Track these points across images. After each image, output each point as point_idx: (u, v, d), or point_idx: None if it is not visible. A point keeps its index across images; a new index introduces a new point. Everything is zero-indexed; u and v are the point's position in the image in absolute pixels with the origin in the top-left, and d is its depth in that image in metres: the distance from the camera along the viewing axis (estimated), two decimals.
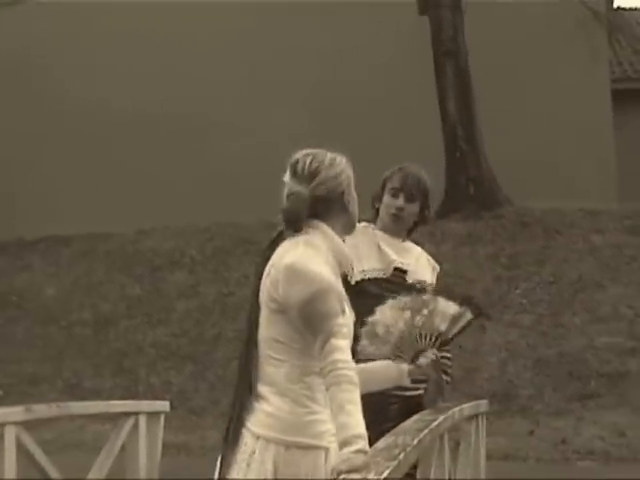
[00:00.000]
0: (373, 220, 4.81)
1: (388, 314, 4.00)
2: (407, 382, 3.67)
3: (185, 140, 18.05)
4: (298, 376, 3.23)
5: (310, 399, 3.23)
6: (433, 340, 3.94)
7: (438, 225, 14.57)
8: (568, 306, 13.32)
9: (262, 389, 3.24)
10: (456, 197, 15.71)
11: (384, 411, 4.49)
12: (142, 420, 7.15)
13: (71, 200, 17.88)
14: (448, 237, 14.75)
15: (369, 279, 4.63)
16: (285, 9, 17.76)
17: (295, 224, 3.29)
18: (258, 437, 3.20)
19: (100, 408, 7.48)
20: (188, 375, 13.14)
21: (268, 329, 3.25)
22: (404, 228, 4.79)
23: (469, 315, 4.03)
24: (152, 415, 7.37)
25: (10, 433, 5.76)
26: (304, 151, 3.37)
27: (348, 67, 17.65)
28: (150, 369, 13.48)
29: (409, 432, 3.91)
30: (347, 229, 3.40)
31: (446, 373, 4.69)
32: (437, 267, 4.87)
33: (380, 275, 4.66)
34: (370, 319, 3.99)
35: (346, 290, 4.50)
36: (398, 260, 4.68)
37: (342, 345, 3.13)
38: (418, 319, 3.94)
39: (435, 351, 3.90)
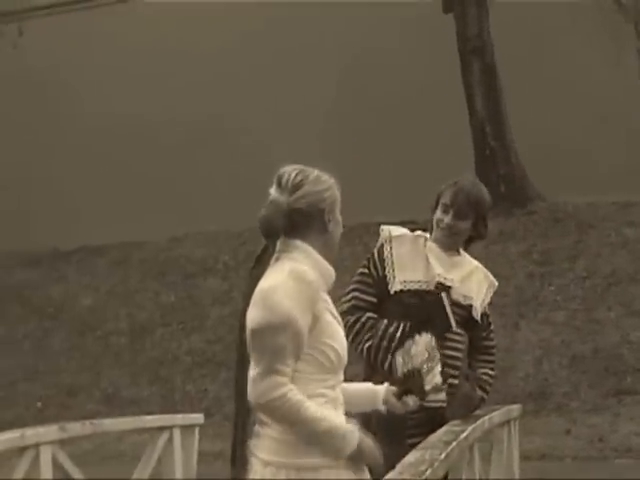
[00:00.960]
0: (430, 232, 4.76)
1: (422, 343, 4.21)
2: (381, 408, 3.61)
3: (216, 147, 18.09)
4: None
5: None
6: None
7: None
8: (602, 301, 13.23)
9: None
10: None
11: (404, 420, 4.47)
12: (177, 433, 7.17)
13: (104, 210, 17.97)
14: None
15: (409, 290, 4.62)
16: (308, 9, 17.74)
17: (270, 233, 3.19)
18: (267, 464, 3.17)
19: (134, 424, 7.46)
20: (223, 382, 13.17)
21: None
22: (457, 242, 4.74)
23: (443, 396, 4.35)
24: (186, 428, 7.39)
25: (46, 453, 5.76)
26: (293, 166, 3.34)
27: (368, 68, 17.61)
28: (186, 377, 13.55)
29: (437, 446, 3.91)
30: (327, 249, 3.27)
31: (484, 390, 4.70)
32: (495, 283, 4.81)
33: (422, 287, 4.63)
34: (416, 337, 4.26)
35: (386, 298, 4.56)
36: (442, 275, 4.63)
37: (285, 382, 3.10)
38: (425, 367, 3.99)
39: (417, 400, 3.90)
